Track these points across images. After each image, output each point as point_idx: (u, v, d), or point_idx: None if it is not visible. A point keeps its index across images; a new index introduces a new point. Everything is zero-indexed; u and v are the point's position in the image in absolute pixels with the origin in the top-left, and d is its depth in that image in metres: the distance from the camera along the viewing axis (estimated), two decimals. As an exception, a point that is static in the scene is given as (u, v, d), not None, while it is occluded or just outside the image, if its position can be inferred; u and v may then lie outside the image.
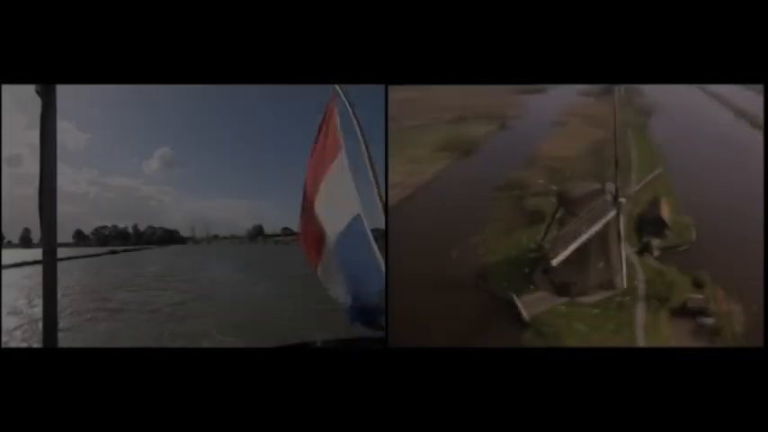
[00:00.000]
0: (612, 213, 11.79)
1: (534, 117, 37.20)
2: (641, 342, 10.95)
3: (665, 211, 16.17)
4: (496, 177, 22.96)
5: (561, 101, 40.19)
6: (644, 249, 14.72)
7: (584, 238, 11.08)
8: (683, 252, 15.24)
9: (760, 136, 28.22)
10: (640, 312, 12.00)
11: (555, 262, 10.78)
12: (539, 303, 13.00)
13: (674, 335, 11.29)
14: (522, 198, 20.38)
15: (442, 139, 30.14)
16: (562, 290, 13.17)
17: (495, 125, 35.26)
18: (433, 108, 38.99)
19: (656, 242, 15.03)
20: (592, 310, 12.31)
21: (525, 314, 12.55)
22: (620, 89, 40.80)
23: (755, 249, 14.42)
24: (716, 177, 21.85)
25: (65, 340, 18.30)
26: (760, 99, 34.52)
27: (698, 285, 12.58)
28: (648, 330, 11.32)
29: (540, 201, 19.22)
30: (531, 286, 13.79)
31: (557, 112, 36.34)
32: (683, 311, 11.84)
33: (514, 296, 13.35)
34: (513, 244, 16.54)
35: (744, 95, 35.42)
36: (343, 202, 4.98)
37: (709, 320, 11.45)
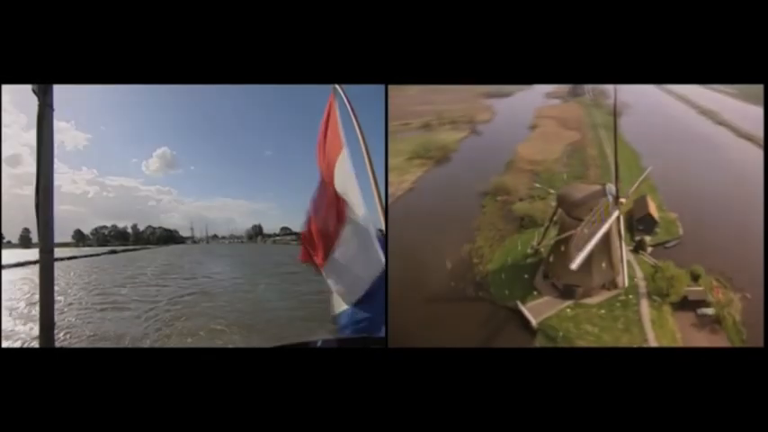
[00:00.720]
0: (616, 214, 13.02)
1: (505, 121, 39.36)
2: (651, 338, 12.05)
3: (653, 208, 17.89)
4: (479, 184, 24.08)
5: (530, 104, 42.93)
6: (638, 247, 16.19)
7: (596, 239, 12.15)
8: (672, 247, 16.91)
9: (723, 132, 32.03)
10: (645, 309, 13.20)
11: (574, 266, 11.71)
12: (544, 308, 13.88)
13: (680, 328, 12.53)
14: (509, 203, 21.58)
15: (415, 147, 31.13)
16: (566, 293, 14.18)
17: (465, 131, 37.05)
18: (399, 115, 40.21)
19: (648, 239, 16.59)
20: (598, 311, 13.35)
21: (533, 321, 13.37)
22: (594, 91, 44.55)
23: (739, 240, 16.46)
24: (687, 172, 24.29)
25: (74, 332, 18.75)
26: (718, 98, 39.17)
27: (694, 278, 14.05)
28: (656, 326, 12.49)
29: (528, 205, 20.51)
30: (535, 292, 14.72)
31: (527, 116, 38.77)
32: (685, 304, 13.18)
33: (519, 303, 14.20)
34: (508, 251, 17.48)
35: (705, 95, 40.05)
36: (350, 201, 5.37)
37: (709, 311, 12.83)
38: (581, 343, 12.29)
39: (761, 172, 23.30)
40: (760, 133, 29.70)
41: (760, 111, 35.58)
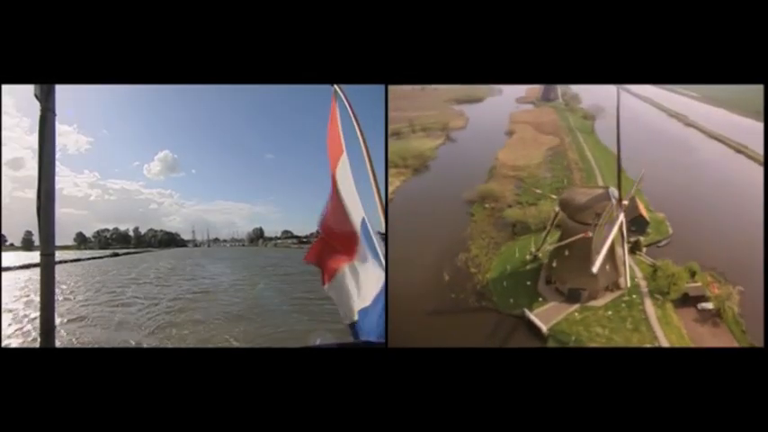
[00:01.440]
0: (621, 217, 14.22)
1: (480, 127, 40.95)
2: (660, 335, 13.16)
3: (642, 209, 19.47)
4: (464, 191, 25.05)
5: (503, 109, 45.06)
6: (634, 248, 17.57)
7: (609, 241, 13.22)
8: (664, 246, 18.50)
9: (693, 133, 35.27)
10: (650, 307, 14.40)
11: (594, 269, 12.67)
12: (552, 314, 14.75)
13: (684, 324, 13.75)
14: (498, 210, 22.66)
15: (391, 155, 31.78)
16: (571, 297, 15.17)
17: (440, 137, 38.31)
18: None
19: (642, 239, 18.06)
20: (605, 313, 14.40)
21: (543, 327, 14.18)
22: (565, 95, 47.29)
23: (724, 236, 18.27)
24: (666, 173, 26.38)
25: (83, 329, 20.75)
26: (684, 101, 42.96)
27: (691, 275, 15.47)
28: (662, 323, 13.66)
29: (519, 211, 21.63)
30: (540, 298, 15.63)
31: (503, 121, 40.67)
32: (685, 300, 14.49)
33: (526, 311, 15.02)
34: (506, 258, 18.37)
35: (672, 99, 43.88)
36: (350, 205, 5.80)
37: (708, 305, 14.19)
38: (592, 345, 13.21)
39: (734, 170, 25.99)
40: (725, 133, 33.12)
41: (722, 112, 39.68)
